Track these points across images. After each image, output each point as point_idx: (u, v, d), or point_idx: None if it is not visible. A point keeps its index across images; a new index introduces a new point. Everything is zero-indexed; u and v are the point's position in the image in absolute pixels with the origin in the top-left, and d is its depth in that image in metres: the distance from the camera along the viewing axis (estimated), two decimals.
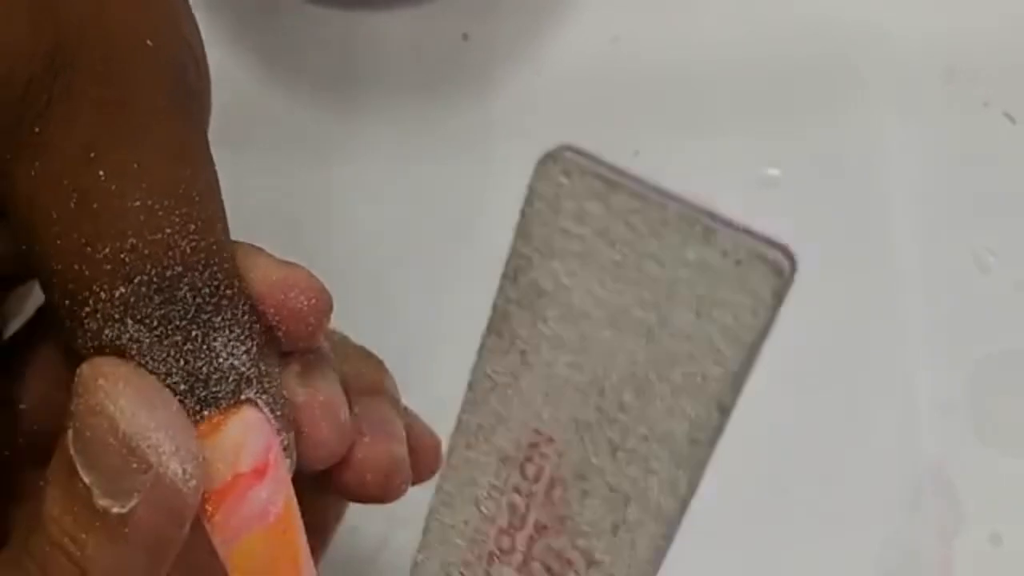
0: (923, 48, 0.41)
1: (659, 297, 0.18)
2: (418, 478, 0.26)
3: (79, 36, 0.21)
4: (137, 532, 0.20)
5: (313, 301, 0.23)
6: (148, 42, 0.22)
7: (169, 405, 0.20)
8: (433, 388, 0.38)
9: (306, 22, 0.41)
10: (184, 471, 0.20)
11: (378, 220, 0.39)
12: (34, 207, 0.21)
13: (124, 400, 0.20)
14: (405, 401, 0.40)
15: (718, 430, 0.19)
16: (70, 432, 0.20)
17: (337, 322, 0.38)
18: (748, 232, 0.18)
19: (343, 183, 0.40)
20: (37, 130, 0.21)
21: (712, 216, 0.18)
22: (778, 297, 0.18)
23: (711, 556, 0.37)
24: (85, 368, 0.20)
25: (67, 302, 0.21)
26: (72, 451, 0.20)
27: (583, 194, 0.18)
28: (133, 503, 0.20)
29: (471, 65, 0.41)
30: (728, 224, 0.18)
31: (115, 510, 0.20)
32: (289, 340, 0.23)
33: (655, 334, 0.18)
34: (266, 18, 0.41)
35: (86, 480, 0.20)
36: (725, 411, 0.19)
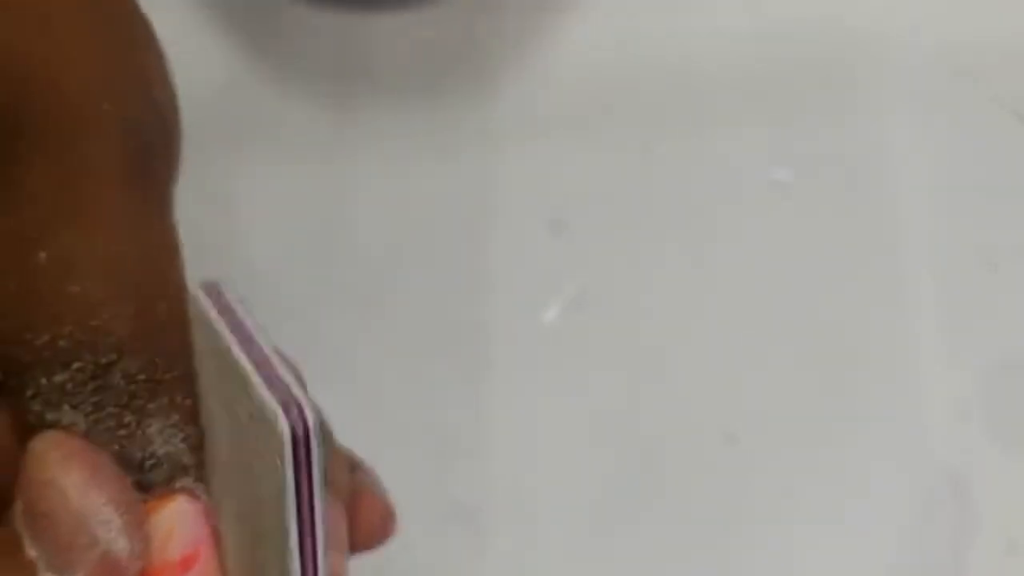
0: (932, 48, 0.42)
1: (234, 442, 0.21)
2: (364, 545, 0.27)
3: (33, 99, 0.21)
4: None
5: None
6: (106, 106, 0.21)
7: (118, 481, 0.21)
8: (432, 387, 0.38)
9: (309, 24, 0.41)
10: (131, 549, 0.20)
11: (381, 221, 0.39)
12: None
13: (76, 475, 0.20)
14: (404, 400, 0.40)
15: None
16: (18, 505, 0.20)
17: (337, 323, 0.39)
18: (280, 389, 0.19)
19: (346, 184, 0.40)
20: None
21: (269, 367, 0.19)
22: (289, 460, 0.19)
23: (724, 562, 0.37)
24: (37, 443, 0.21)
25: (13, 383, 0.21)
26: (19, 524, 0.20)
27: (203, 331, 0.21)
28: None
29: (476, 66, 0.41)
30: (272, 379, 0.19)
31: None
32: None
33: (242, 477, 0.21)
34: (269, 20, 0.41)
35: (32, 554, 0.20)
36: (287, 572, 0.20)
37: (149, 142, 0.22)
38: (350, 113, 0.40)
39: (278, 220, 0.39)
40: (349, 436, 0.37)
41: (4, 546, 0.20)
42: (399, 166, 0.40)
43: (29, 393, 0.21)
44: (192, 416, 0.22)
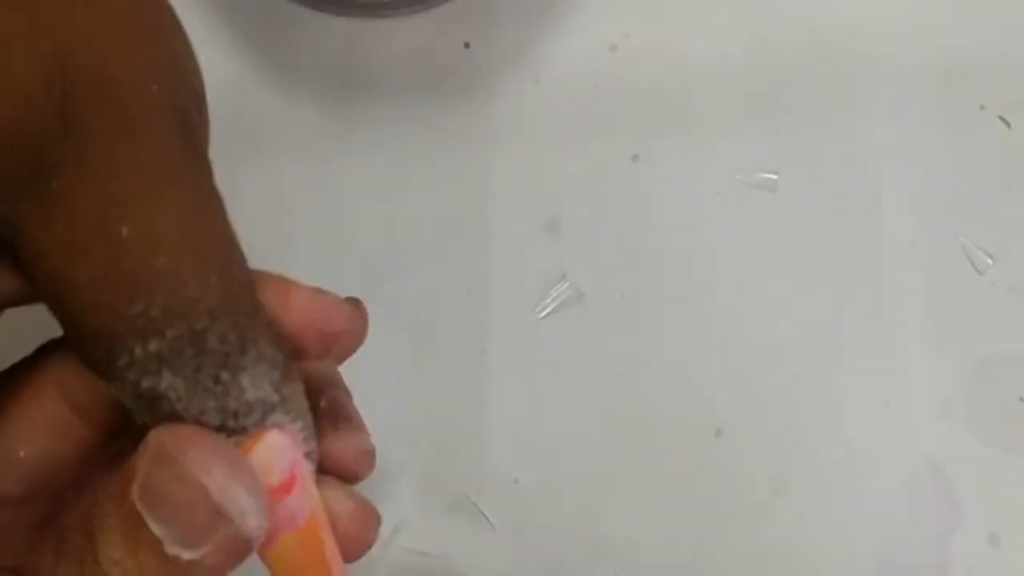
0: (919, 52, 0.41)
1: None
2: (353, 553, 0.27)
3: (87, 88, 0.21)
4: (202, 571, 0.22)
5: (348, 322, 0.25)
6: (154, 87, 0.22)
7: (247, 469, 0.23)
8: (430, 383, 0.38)
9: (308, 29, 0.41)
10: (259, 525, 0.22)
11: (378, 225, 0.40)
12: (60, 269, 0.21)
13: (216, 473, 0.22)
14: (403, 396, 0.40)
15: None
16: (136, 488, 0.22)
17: None
18: None
19: (343, 188, 0.40)
20: (54, 187, 0.21)
21: None
22: None
23: (713, 552, 0.38)
24: (166, 439, 0.22)
25: (102, 355, 0.22)
26: (139, 504, 0.22)
27: None
28: (206, 550, 0.22)
29: (472, 72, 0.41)
30: None
31: (186, 556, 0.22)
32: (329, 357, 0.25)
33: None
34: (269, 24, 0.41)
35: (156, 531, 0.22)
36: None
37: (191, 119, 0.23)
38: (350, 115, 0.40)
39: (279, 219, 0.39)
40: None
41: (125, 522, 0.22)
42: (398, 167, 0.40)
43: (122, 363, 0.22)
44: (274, 361, 0.23)
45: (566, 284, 0.39)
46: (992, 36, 0.42)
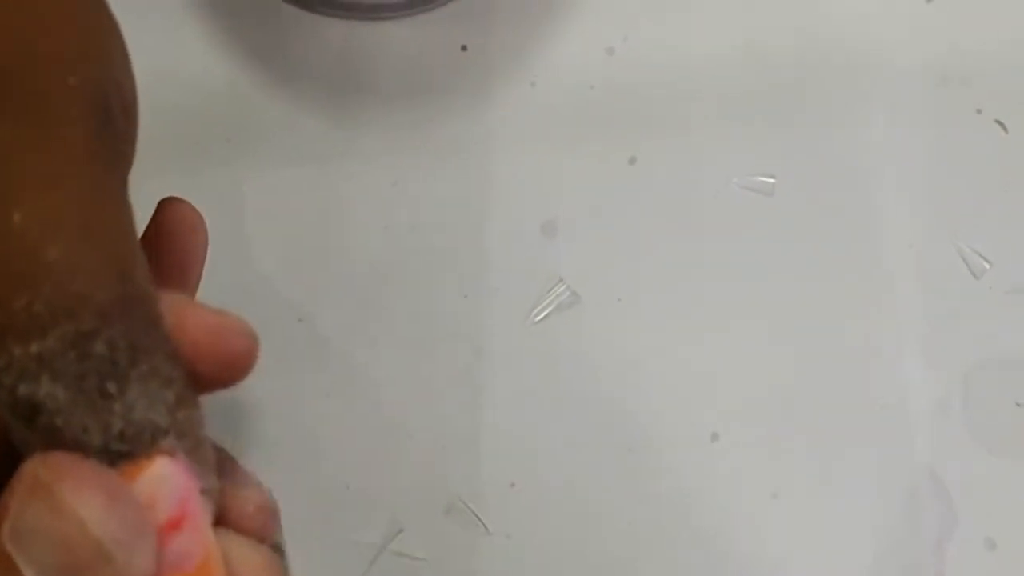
0: (917, 56, 0.42)
1: None
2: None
3: (4, 64, 0.20)
4: None
5: (248, 344, 0.23)
6: (71, 79, 0.21)
7: (130, 503, 0.20)
8: (428, 385, 0.39)
9: (304, 32, 0.41)
10: (146, 567, 0.20)
11: (375, 228, 0.40)
12: None
13: (95, 505, 0.19)
14: (401, 398, 0.40)
15: None
16: (7, 527, 0.19)
17: (336, 323, 0.39)
18: None
19: (341, 191, 0.40)
20: None
21: None
22: None
23: (709, 556, 0.38)
24: (40, 468, 0.20)
25: None
26: (12, 547, 0.19)
27: None
28: None
29: (469, 75, 0.41)
30: None
31: None
32: (219, 383, 0.23)
33: None
34: (265, 27, 0.41)
35: (28, 574, 0.19)
36: None
37: (112, 119, 0.22)
38: (347, 117, 0.40)
39: (278, 222, 0.39)
40: (347, 433, 0.38)
41: None
42: (395, 169, 0.40)
43: (1, 364, 0.20)
44: (169, 379, 0.21)
45: (562, 287, 0.39)
46: (990, 40, 0.42)
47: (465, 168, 0.40)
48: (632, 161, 0.40)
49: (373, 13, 0.41)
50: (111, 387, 0.20)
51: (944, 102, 0.41)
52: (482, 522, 0.37)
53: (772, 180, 0.40)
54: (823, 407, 0.39)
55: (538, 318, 0.39)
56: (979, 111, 0.41)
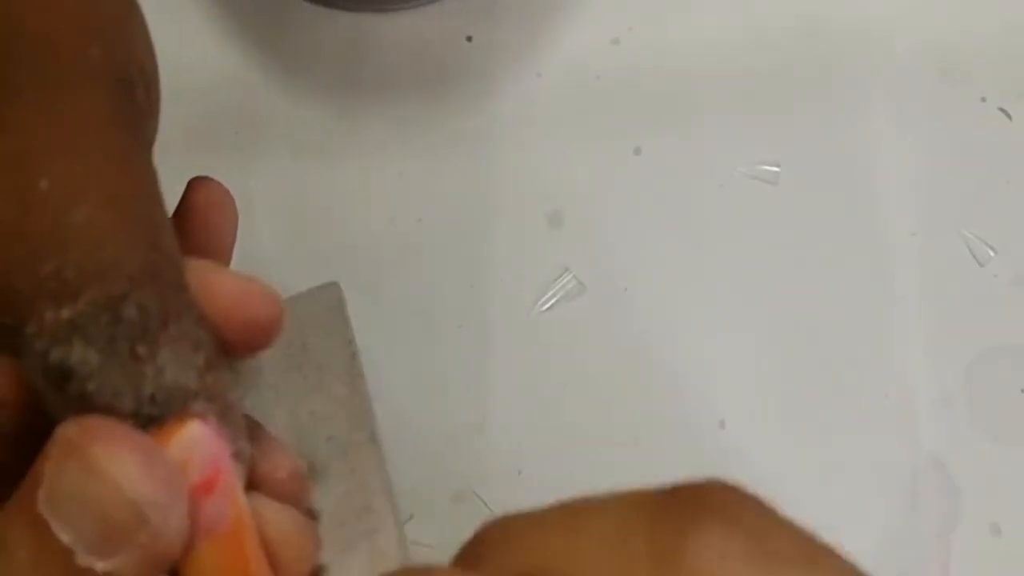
0: (920, 45, 0.42)
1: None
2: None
3: (27, 36, 0.21)
4: None
5: (274, 311, 0.23)
6: (95, 51, 0.21)
7: (165, 465, 0.20)
8: (435, 374, 0.39)
9: (311, 24, 0.41)
10: (179, 529, 0.20)
11: (381, 219, 0.40)
12: None
13: (130, 466, 0.19)
14: (408, 387, 0.40)
15: None
16: (42, 492, 0.19)
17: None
18: None
19: (347, 182, 0.40)
20: None
21: None
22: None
23: None
24: (73, 431, 0.19)
25: (10, 322, 0.20)
26: (44, 509, 0.19)
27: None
28: (121, 558, 0.19)
29: (474, 66, 0.41)
30: None
31: (100, 566, 0.19)
32: (246, 349, 0.23)
33: None
34: (272, 20, 0.41)
35: (65, 539, 0.19)
36: None
37: (133, 92, 0.22)
38: (353, 108, 0.40)
39: (284, 213, 0.39)
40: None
41: (30, 532, 0.19)
42: (401, 160, 0.40)
43: (31, 330, 0.20)
44: (198, 342, 0.21)
45: (568, 277, 0.40)
46: (993, 28, 0.42)
47: (471, 159, 0.40)
48: (638, 151, 0.41)
49: (379, 5, 0.41)
50: (142, 350, 0.20)
51: (948, 91, 0.41)
52: (490, 509, 0.38)
53: (777, 169, 0.41)
54: (828, 394, 0.39)
55: (544, 308, 0.39)
56: (983, 99, 0.41)
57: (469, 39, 0.41)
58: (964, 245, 0.40)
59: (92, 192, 0.20)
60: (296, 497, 0.23)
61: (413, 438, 0.38)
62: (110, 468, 0.19)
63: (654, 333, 0.39)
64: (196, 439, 0.21)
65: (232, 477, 0.21)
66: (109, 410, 0.20)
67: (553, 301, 0.39)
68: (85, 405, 0.20)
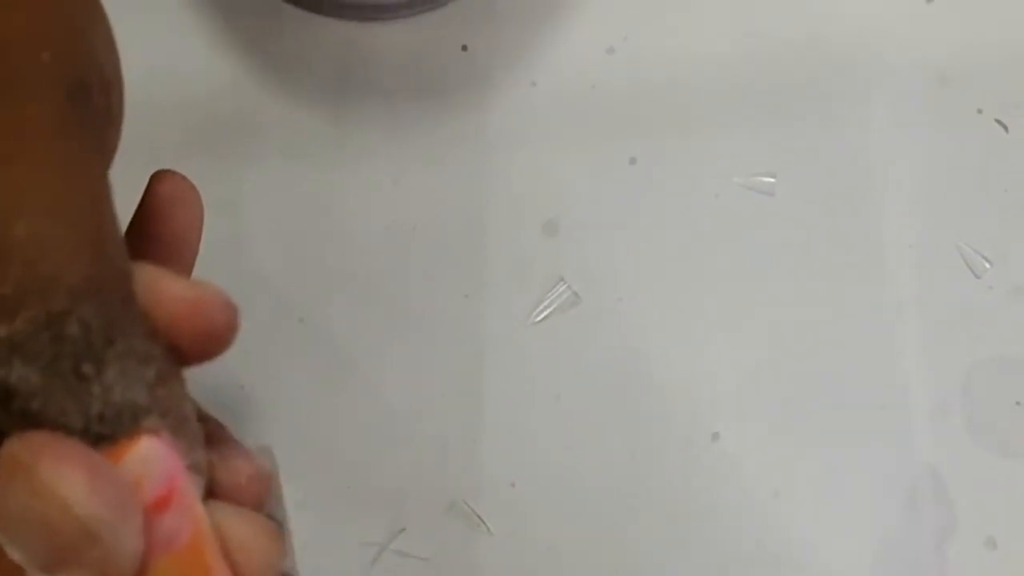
0: (918, 56, 0.42)
1: None
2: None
3: None
4: None
5: (228, 317, 0.22)
6: (45, 55, 0.20)
7: (114, 482, 0.19)
8: (429, 385, 0.39)
9: (307, 32, 0.41)
10: (133, 547, 0.19)
11: (376, 227, 0.40)
12: None
13: (77, 483, 0.19)
14: (402, 398, 0.40)
15: None
16: None
17: (338, 322, 0.39)
18: None
19: (342, 191, 0.40)
20: None
21: None
22: None
23: (710, 555, 0.38)
24: (18, 448, 0.19)
25: None
26: None
27: None
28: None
29: (469, 75, 0.41)
30: None
31: None
32: (200, 357, 0.22)
33: None
34: (267, 28, 0.41)
35: (15, 556, 0.19)
36: None
37: (89, 97, 0.21)
38: (348, 117, 0.40)
39: (279, 221, 0.39)
40: (349, 432, 0.38)
41: None
42: (396, 169, 0.40)
43: None
44: (147, 357, 0.20)
45: (563, 287, 0.39)
46: (990, 40, 0.42)
47: (466, 168, 0.40)
48: (633, 161, 0.41)
49: (374, 13, 0.41)
50: (87, 369, 0.20)
51: (945, 102, 0.41)
52: (483, 521, 0.37)
53: (772, 180, 0.41)
54: (823, 406, 0.39)
55: (539, 318, 0.39)
56: (980, 111, 0.41)
57: (464, 48, 0.41)
58: (960, 257, 0.40)
59: (33, 204, 0.19)
60: (258, 500, 0.23)
61: (406, 449, 0.38)
62: (57, 486, 0.18)
63: (649, 344, 0.39)
64: (149, 456, 0.20)
65: (188, 491, 0.21)
66: (57, 429, 0.19)
67: (548, 311, 0.39)
68: (31, 422, 0.19)
